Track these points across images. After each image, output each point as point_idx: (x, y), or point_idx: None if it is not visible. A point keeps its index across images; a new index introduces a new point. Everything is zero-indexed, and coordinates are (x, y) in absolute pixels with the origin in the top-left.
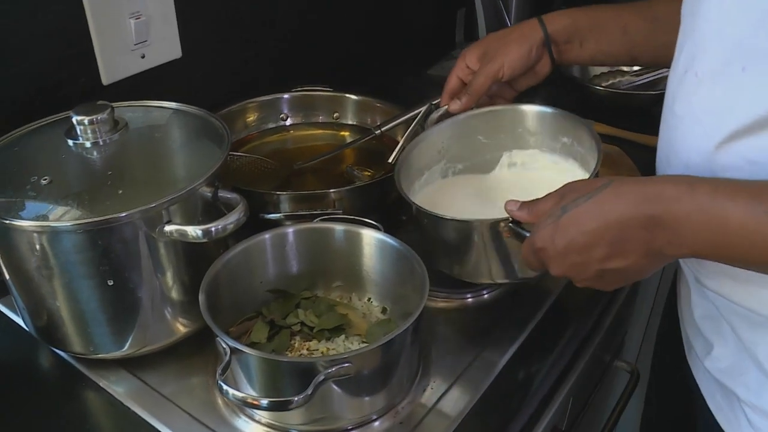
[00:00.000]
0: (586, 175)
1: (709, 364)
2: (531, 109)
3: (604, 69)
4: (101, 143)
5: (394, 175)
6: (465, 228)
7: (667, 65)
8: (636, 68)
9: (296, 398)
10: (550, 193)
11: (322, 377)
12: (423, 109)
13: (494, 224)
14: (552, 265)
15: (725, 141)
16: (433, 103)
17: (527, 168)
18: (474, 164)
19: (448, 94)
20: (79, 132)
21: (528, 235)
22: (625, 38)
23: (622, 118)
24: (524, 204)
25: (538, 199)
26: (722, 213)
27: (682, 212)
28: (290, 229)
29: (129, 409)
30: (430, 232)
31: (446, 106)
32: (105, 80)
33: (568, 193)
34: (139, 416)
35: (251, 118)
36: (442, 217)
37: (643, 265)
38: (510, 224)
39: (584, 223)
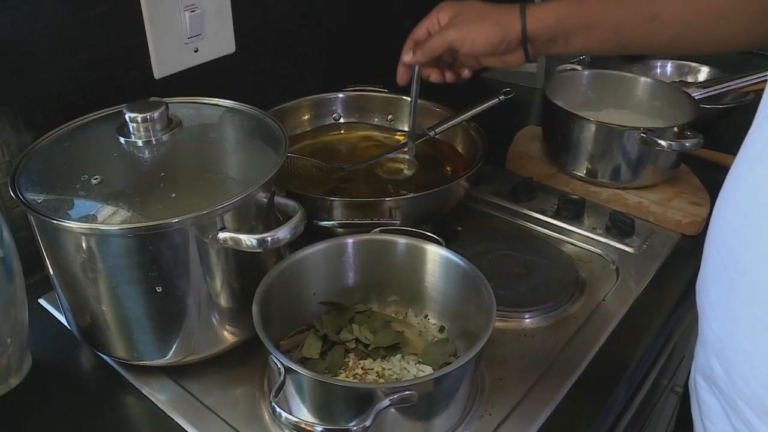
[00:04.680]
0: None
1: None
2: (635, 77)
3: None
4: (154, 142)
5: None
6: (604, 130)
7: (668, 54)
8: (701, 79)
9: (354, 427)
10: None
11: (383, 405)
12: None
13: (631, 129)
14: None
15: None
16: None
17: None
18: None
19: (413, 42)
20: (131, 129)
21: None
22: (618, 37)
23: None
24: None
25: None
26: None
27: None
28: (350, 240)
29: (171, 419)
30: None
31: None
32: (157, 74)
33: None
34: (181, 427)
35: (305, 116)
36: (587, 119)
37: None
38: (642, 134)
39: None
